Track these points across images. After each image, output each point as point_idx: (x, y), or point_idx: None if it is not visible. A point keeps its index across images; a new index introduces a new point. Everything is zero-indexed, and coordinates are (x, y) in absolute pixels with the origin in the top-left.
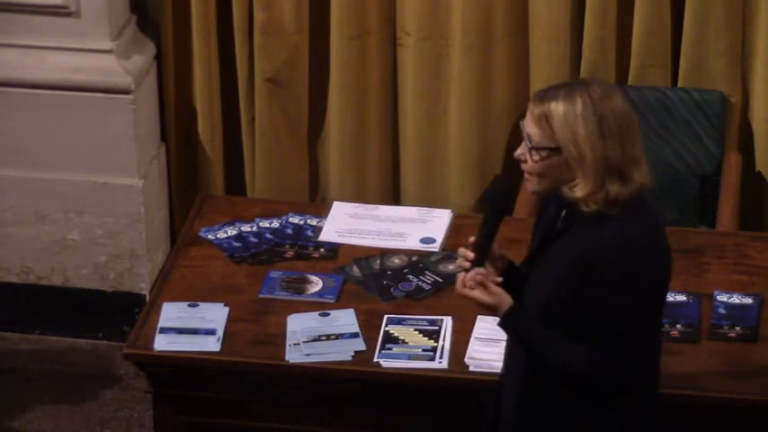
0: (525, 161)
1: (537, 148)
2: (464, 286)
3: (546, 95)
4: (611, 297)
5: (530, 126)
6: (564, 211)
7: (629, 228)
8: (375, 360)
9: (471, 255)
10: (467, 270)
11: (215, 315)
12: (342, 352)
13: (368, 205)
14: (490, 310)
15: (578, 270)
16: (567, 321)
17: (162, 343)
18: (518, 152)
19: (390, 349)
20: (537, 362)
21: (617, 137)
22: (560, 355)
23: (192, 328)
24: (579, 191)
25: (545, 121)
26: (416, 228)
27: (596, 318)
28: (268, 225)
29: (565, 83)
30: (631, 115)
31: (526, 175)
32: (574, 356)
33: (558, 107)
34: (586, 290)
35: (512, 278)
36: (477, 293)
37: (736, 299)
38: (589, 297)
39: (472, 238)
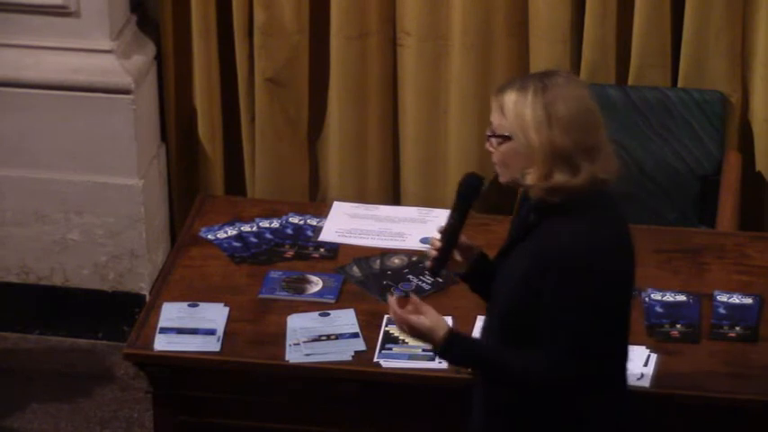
0: (492, 152)
1: (492, 136)
2: (399, 308)
3: (504, 86)
4: (565, 297)
5: (492, 116)
6: (532, 209)
7: (580, 226)
8: (375, 360)
9: (439, 243)
10: (434, 259)
11: (215, 315)
12: (342, 352)
13: (368, 205)
14: (425, 335)
15: (535, 270)
16: (527, 319)
17: (162, 343)
18: (487, 144)
19: (390, 349)
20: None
21: (565, 125)
22: (518, 366)
23: (191, 328)
24: (530, 178)
25: (500, 109)
26: (416, 228)
27: (546, 320)
28: (268, 225)
29: (529, 74)
30: (591, 107)
31: (495, 166)
32: (531, 364)
33: (510, 96)
34: (543, 291)
35: (484, 271)
36: (415, 318)
37: (736, 299)
38: (545, 299)
39: (441, 226)
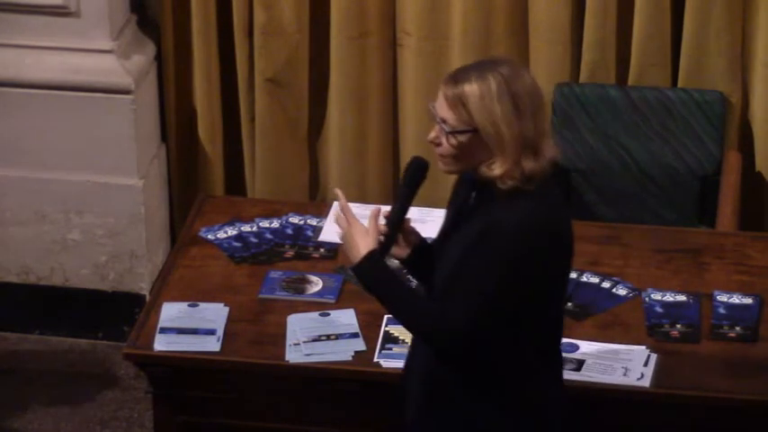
0: (440, 144)
1: (454, 132)
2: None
3: (458, 78)
4: (482, 256)
5: (444, 110)
6: (475, 192)
7: (530, 205)
8: (375, 360)
9: (385, 228)
10: (380, 243)
11: (215, 315)
12: (342, 352)
13: (368, 205)
14: (355, 241)
15: (475, 244)
16: None
17: (162, 343)
18: (431, 136)
19: (390, 349)
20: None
21: (530, 113)
22: (412, 308)
23: (191, 328)
24: (497, 169)
25: (460, 104)
26: (416, 228)
27: (461, 271)
28: (268, 225)
29: (472, 64)
30: (539, 90)
31: (439, 157)
32: (426, 312)
33: (472, 89)
34: (471, 254)
35: (423, 256)
36: (355, 221)
37: (736, 299)
38: (467, 259)
39: (386, 212)
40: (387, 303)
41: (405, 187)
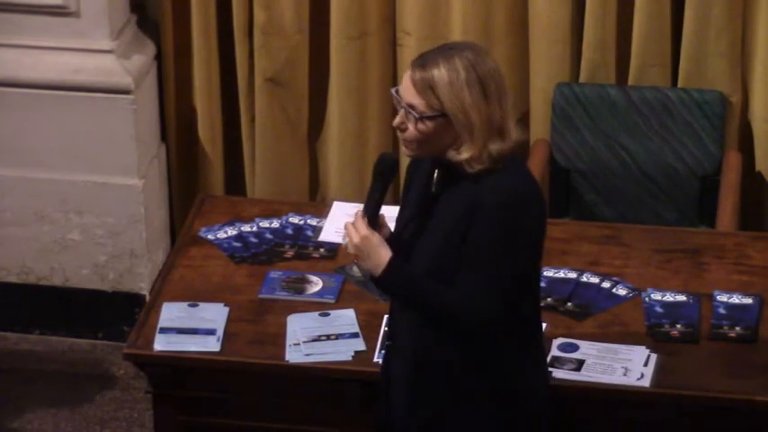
0: (405, 129)
1: (423, 118)
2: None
3: (426, 63)
4: (489, 236)
5: (411, 96)
6: (437, 172)
7: (512, 178)
8: (375, 360)
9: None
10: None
11: (215, 315)
12: (342, 352)
13: None
14: (372, 251)
15: (465, 222)
16: (455, 277)
17: (162, 343)
18: (397, 121)
19: None
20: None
21: (497, 97)
22: (437, 305)
23: (191, 328)
24: (465, 153)
25: (429, 90)
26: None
27: (472, 255)
28: (268, 225)
29: (437, 50)
30: (502, 73)
31: (405, 142)
32: (449, 298)
33: (441, 75)
34: (468, 233)
35: (392, 248)
36: (369, 231)
37: (735, 299)
38: (469, 239)
39: (361, 211)
40: (412, 304)
41: (375, 185)
